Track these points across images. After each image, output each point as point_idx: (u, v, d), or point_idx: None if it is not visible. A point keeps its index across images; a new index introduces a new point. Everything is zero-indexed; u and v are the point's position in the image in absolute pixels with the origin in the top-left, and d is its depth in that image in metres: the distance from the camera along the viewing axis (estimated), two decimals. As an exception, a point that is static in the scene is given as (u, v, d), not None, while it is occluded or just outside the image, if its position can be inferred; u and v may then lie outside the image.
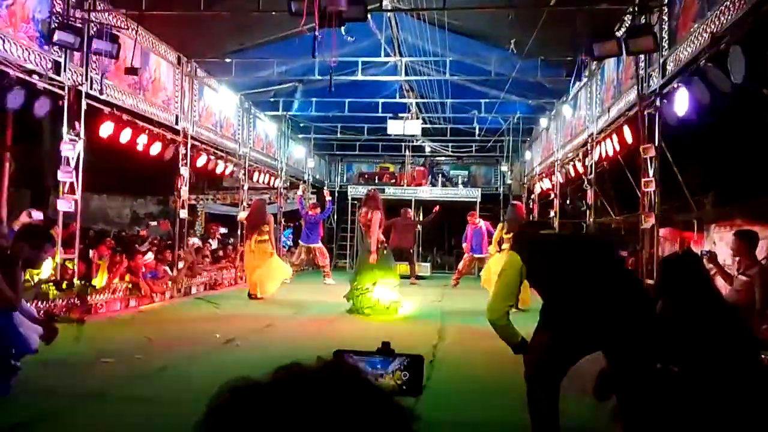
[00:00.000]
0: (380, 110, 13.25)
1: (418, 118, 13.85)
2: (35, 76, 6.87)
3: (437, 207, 13.26)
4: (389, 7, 8.84)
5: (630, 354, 2.97)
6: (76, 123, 7.48)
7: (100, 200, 16.57)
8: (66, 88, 7.29)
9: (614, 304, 3.00)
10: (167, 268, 9.82)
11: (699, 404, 2.95)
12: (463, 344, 6.44)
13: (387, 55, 10.49)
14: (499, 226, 9.56)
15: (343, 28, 7.63)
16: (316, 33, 6.40)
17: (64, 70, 7.24)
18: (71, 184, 7.47)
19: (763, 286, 5.57)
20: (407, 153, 17.87)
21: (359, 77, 10.61)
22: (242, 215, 10.92)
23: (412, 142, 16.94)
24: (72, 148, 7.42)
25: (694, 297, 3.23)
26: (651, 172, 7.21)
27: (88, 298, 7.51)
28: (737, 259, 5.91)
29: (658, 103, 6.93)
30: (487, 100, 12.61)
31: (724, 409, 2.96)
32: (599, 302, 3.01)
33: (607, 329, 2.97)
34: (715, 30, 5.59)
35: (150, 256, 9.64)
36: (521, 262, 3.22)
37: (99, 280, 8.07)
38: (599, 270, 3.16)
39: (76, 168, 7.51)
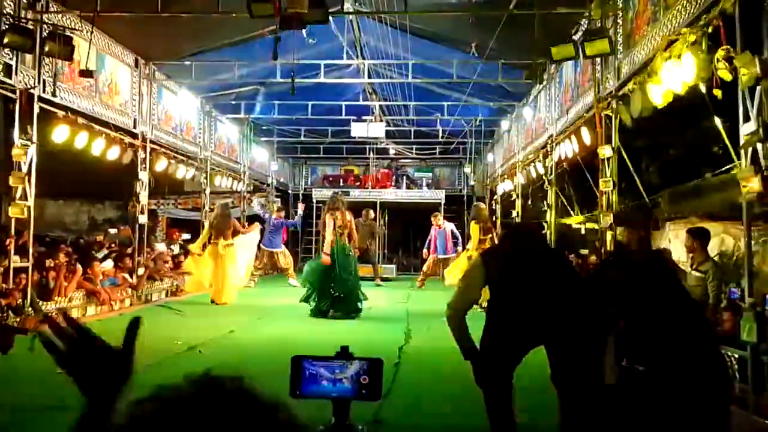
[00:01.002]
0: (344, 113, 13.23)
1: (381, 121, 13.88)
2: (-16, 79, 6.64)
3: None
4: (351, 10, 8.83)
5: (567, 349, 3.07)
6: (29, 127, 7.24)
7: (56, 206, 16.07)
8: (17, 91, 7.05)
9: (550, 301, 3.18)
10: (126, 275, 9.59)
11: (664, 402, 3.00)
12: (429, 346, 6.45)
13: (350, 57, 10.48)
14: (473, 226, 9.66)
15: (304, 30, 7.61)
16: (277, 36, 6.36)
17: (16, 73, 7.00)
18: (23, 189, 7.22)
19: (715, 280, 5.76)
20: (371, 155, 17.90)
21: (322, 80, 10.57)
22: (193, 248, 10.55)
23: (376, 144, 16.98)
24: (24, 153, 7.17)
25: (660, 293, 3.29)
26: (608, 172, 7.37)
27: (43, 306, 7.27)
28: (691, 255, 6.10)
29: (614, 104, 7.10)
30: (449, 103, 12.72)
31: (688, 406, 3.02)
32: (536, 300, 3.19)
33: (544, 324, 3.16)
34: (667, 33, 5.75)
35: (109, 263, 9.41)
36: (485, 266, 3.33)
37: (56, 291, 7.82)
38: (542, 274, 3.31)
39: (29, 173, 7.26)
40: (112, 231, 14.15)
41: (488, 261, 3.45)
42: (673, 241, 8.67)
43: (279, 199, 17.89)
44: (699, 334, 3.27)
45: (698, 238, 5.93)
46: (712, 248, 6.82)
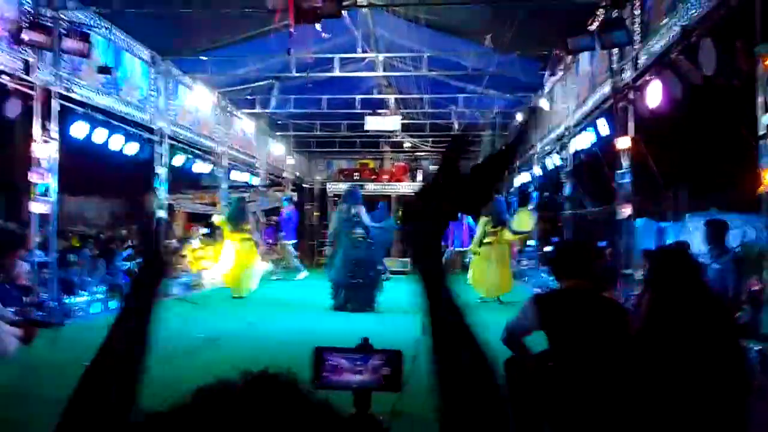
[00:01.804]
0: (359, 106, 13.22)
1: (396, 114, 13.86)
2: (5, 77, 6.74)
3: None
4: (364, 3, 8.81)
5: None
6: (48, 123, 7.35)
7: (77, 202, 16.28)
8: (37, 88, 7.15)
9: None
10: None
11: (682, 398, 2.98)
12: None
13: (364, 51, 10.46)
14: (482, 220, 9.56)
15: (318, 24, 7.61)
16: (292, 29, 6.38)
17: (35, 70, 7.11)
18: (45, 185, 7.33)
19: (736, 273, 5.70)
20: (387, 149, 17.87)
21: (337, 74, 10.57)
22: (217, 218, 10.90)
23: (392, 137, 16.94)
24: (44, 149, 7.29)
25: (682, 290, 3.27)
26: (625, 164, 7.31)
27: (66, 300, 7.41)
28: (710, 247, 6.03)
29: (631, 95, 7.03)
30: (465, 95, 12.65)
31: (708, 400, 3.00)
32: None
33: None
34: (686, 23, 5.68)
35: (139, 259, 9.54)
36: (539, 315, 3.02)
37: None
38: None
39: (51, 170, 7.38)
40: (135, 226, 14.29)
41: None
42: (693, 233, 8.57)
43: (294, 193, 17.99)
44: (719, 328, 3.24)
45: (717, 230, 5.86)
46: (734, 240, 6.74)
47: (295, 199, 14.34)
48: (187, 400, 0.71)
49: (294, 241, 13.31)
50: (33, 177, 7.25)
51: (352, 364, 1.48)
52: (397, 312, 8.31)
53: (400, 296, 9.91)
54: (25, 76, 7.00)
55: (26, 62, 7.00)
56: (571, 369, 2.86)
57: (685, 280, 3.29)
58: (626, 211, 7.34)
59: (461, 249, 12.45)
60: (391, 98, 13.64)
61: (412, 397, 3.97)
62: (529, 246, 13.01)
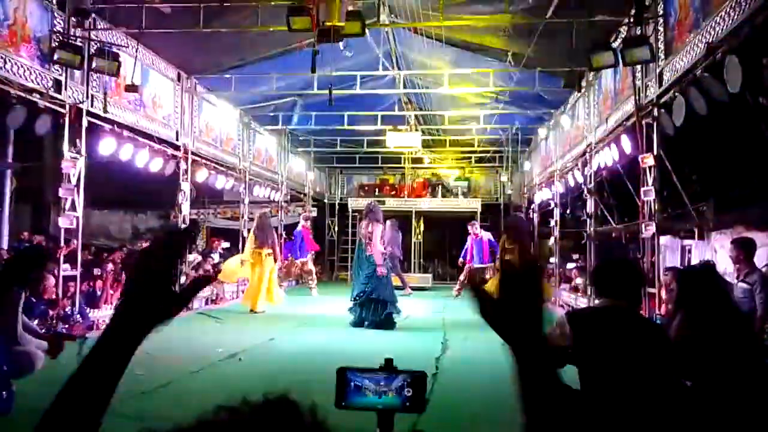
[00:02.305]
0: (379, 123, 13.31)
1: (417, 130, 13.92)
2: (36, 95, 6.92)
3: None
4: (386, 22, 8.91)
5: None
6: (77, 140, 7.52)
7: (101, 216, 16.59)
8: (67, 106, 7.34)
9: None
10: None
11: (711, 418, 2.92)
12: (466, 356, 6.43)
13: (385, 68, 10.56)
14: (503, 237, 9.55)
15: (341, 43, 7.71)
16: (315, 49, 6.47)
17: (65, 89, 7.30)
18: (72, 200, 7.49)
19: (764, 292, 5.58)
20: (407, 164, 17.93)
21: (358, 91, 10.67)
22: (244, 257, 10.76)
23: (412, 153, 17.00)
24: (73, 166, 7.46)
25: (711, 310, 3.22)
26: (650, 181, 7.23)
27: (90, 314, 7.52)
28: (737, 266, 5.92)
29: (655, 112, 6.97)
30: (485, 112, 12.67)
31: (735, 423, 2.94)
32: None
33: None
34: (710, 40, 5.64)
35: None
36: (570, 332, 2.82)
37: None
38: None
39: (77, 185, 7.54)
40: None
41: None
42: (719, 251, 8.43)
43: (316, 209, 18.13)
44: (746, 348, 3.19)
45: (744, 249, 5.75)
46: (760, 259, 6.61)
47: (305, 216, 14.43)
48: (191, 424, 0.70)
49: (303, 259, 13.43)
50: (63, 193, 7.41)
51: (376, 385, 1.48)
52: (416, 330, 8.29)
53: (418, 313, 9.90)
54: (55, 95, 7.19)
55: (57, 81, 7.19)
56: (603, 392, 2.69)
57: (713, 301, 3.25)
58: (650, 228, 7.25)
59: (481, 265, 12.39)
60: (412, 115, 13.72)
61: (432, 415, 3.97)
62: (550, 263, 12.90)
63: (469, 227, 12.58)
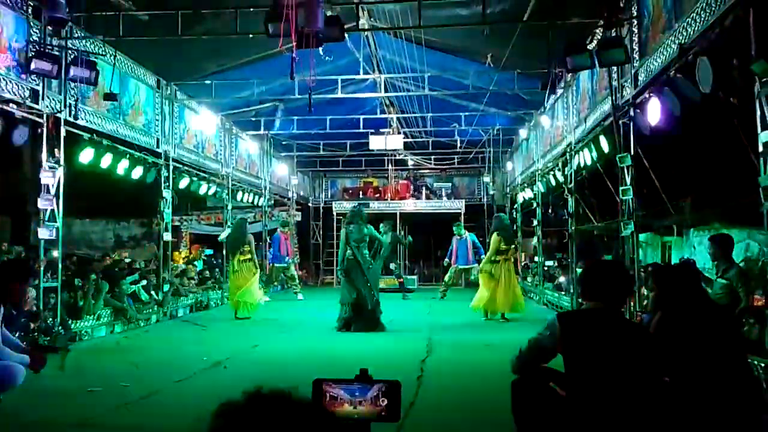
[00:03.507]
0: (362, 126, 13.34)
1: (399, 133, 13.98)
2: (13, 105, 6.85)
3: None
4: (366, 26, 8.94)
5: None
6: (56, 150, 7.45)
7: (82, 225, 16.41)
8: (45, 115, 7.26)
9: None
10: (153, 292, 9.77)
11: (691, 414, 2.97)
12: (452, 358, 6.47)
13: (366, 72, 10.60)
14: (494, 238, 9.54)
15: (320, 48, 7.71)
16: (294, 55, 6.47)
17: (43, 98, 7.23)
18: (52, 210, 7.42)
19: (745, 286, 5.70)
20: (390, 167, 17.98)
21: (339, 95, 10.69)
22: (223, 235, 11.12)
23: (395, 156, 17.06)
24: (52, 176, 7.38)
25: (691, 307, 3.28)
26: (628, 180, 7.34)
27: (72, 325, 7.45)
28: (715, 263, 6.03)
29: (631, 112, 7.08)
30: (467, 113, 12.76)
31: (715, 417, 3.00)
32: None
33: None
34: (683, 41, 5.74)
35: (143, 282, 9.64)
36: (560, 334, 2.86)
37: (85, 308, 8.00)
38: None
39: (57, 195, 7.46)
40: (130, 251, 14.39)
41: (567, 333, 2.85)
42: (698, 247, 8.58)
43: (299, 213, 18.12)
44: (726, 343, 3.25)
45: (721, 246, 5.86)
46: (737, 254, 6.74)
47: (282, 221, 14.50)
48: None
49: (283, 265, 13.45)
50: (41, 203, 7.33)
51: (351, 396, 1.51)
52: (401, 332, 8.32)
53: (403, 315, 9.93)
54: (33, 105, 7.11)
55: (34, 90, 7.12)
56: (590, 393, 2.73)
57: (691, 298, 3.31)
58: (630, 227, 7.35)
59: (465, 266, 12.46)
60: (394, 117, 13.77)
61: (417, 418, 4.00)
62: (534, 262, 13.01)
63: (454, 228, 12.64)
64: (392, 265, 13.52)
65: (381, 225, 11.67)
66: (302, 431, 0.85)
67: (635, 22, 7.01)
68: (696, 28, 5.49)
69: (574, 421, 2.74)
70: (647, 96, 6.58)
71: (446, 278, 12.67)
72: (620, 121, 7.39)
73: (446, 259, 12.76)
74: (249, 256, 10.00)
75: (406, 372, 5.27)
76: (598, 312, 2.90)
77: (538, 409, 2.89)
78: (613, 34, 6.92)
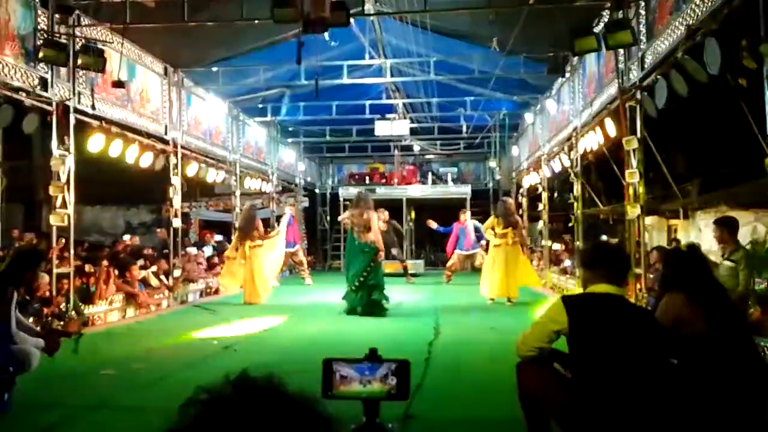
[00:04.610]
0: (368, 112, 13.35)
1: (405, 118, 13.97)
2: (22, 93, 6.91)
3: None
4: (372, 11, 8.93)
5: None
6: (66, 138, 7.52)
7: (93, 212, 16.58)
8: (54, 103, 7.33)
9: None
10: (163, 277, 9.89)
11: (699, 396, 3.01)
12: (458, 340, 6.54)
13: (372, 57, 10.59)
14: (491, 220, 9.61)
15: (326, 33, 7.73)
16: (300, 40, 6.49)
17: (51, 86, 7.28)
18: (63, 198, 7.51)
19: (746, 269, 5.72)
20: (396, 153, 17.98)
21: (345, 81, 10.69)
22: (228, 253, 10.81)
23: (401, 141, 17.06)
24: (62, 163, 7.47)
25: (699, 290, 3.31)
26: (634, 164, 7.33)
27: (85, 310, 7.57)
28: (721, 245, 6.05)
29: (638, 95, 7.06)
30: (472, 98, 12.74)
31: (722, 400, 3.04)
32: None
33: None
34: (690, 22, 5.71)
35: (153, 268, 9.76)
36: (565, 316, 2.84)
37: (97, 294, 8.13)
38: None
39: (67, 182, 7.55)
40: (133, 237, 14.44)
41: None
42: (704, 230, 8.58)
43: (306, 199, 18.19)
44: (732, 326, 3.29)
45: (727, 228, 5.87)
46: (744, 237, 6.75)
47: (290, 205, 14.44)
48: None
49: (292, 249, 13.32)
50: (52, 191, 7.42)
51: (360, 375, 1.56)
52: (408, 315, 8.40)
53: (410, 299, 10.00)
54: (42, 93, 7.17)
55: (43, 79, 7.18)
56: (596, 375, 2.76)
57: (698, 282, 3.34)
58: (636, 210, 7.36)
59: (467, 252, 12.46)
60: (400, 103, 13.75)
61: (425, 400, 4.07)
62: (539, 246, 13.03)
63: (461, 214, 12.62)
64: (394, 251, 13.52)
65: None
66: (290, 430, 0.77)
67: (642, 3, 6.97)
68: (704, 9, 5.46)
69: (579, 402, 2.77)
70: (654, 78, 6.56)
71: (449, 263, 12.70)
72: (627, 104, 7.36)
73: (448, 247, 12.70)
74: (259, 242, 10.07)
75: (414, 353, 5.33)
76: (602, 294, 2.92)
77: (544, 390, 2.93)
78: (620, 16, 6.87)
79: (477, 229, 12.21)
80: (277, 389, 0.80)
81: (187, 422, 0.75)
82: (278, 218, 15.04)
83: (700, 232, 8.74)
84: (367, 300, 8.28)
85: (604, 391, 2.71)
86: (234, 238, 10.67)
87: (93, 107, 7.81)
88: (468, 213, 12.58)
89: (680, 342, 3.11)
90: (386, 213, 13.69)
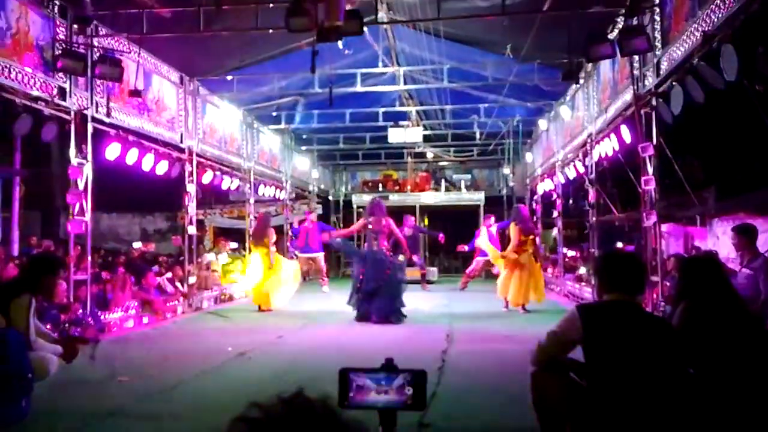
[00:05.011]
0: (381, 119, 13.38)
1: (418, 126, 13.98)
2: (41, 103, 7.02)
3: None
4: (385, 20, 8.96)
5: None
6: (83, 146, 7.63)
7: (109, 219, 16.77)
8: (72, 112, 7.43)
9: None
10: (179, 284, 9.96)
11: (715, 406, 2.97)
12: (472, 348, 6.51)
13: (385, 65, 10.62)
14: (512, 227, 9.51)
15: (340, 42, 7.76)
16: (315, 49, 6.52)
17: (70, 96, 7.39)
18: (80, 205, 7.60)
19: (765, 277, 5.63)
20: (410, 160, 17.99)
21: (359, 88, 10.73)
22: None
23: (414, 148, 17.07)
24: (80, 171, 7.56)
25: (716, 299, 3.28)
26: (650, 170, 7.28)
27: (102, 317, 7.64)
28: (740, 253, 5.97)
29: (654, 102, 7.01)
30: (486, 105, 12.72)
31: (739, 410, 3.00)
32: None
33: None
34: (706, 29, 5.67)
35: (168, 274, 9.83)
36: (580, 325, 2.83)
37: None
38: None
39: (85, 190, 7.65)
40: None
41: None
42: (721, 237, 8.48)
43: (320, 206, 18.24)
44: (750, 336, 3.25)
45: (744, 235, 5.80)
46: (763, 243, 6.66)
47: (306, 211, 14.46)
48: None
49: (313, 255, 13.30)
50: (70, 198, 7.52)
51: (377, 385, 1.56)
52: (422, 323, 8.38)
53: (424, 306, 9.98)
54: (60, 102, 7.28)
55: (61, 88, 7.29)
56: (612, 384, 2.73)
57: (715, 290, 3.30)
58: (652, 217, 7.30)
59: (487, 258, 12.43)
60: (413, 110, 13.77)
61: (439, 408, 4.06)
62: (554, 254, 12.94)
63: (484, 221, 12.56)
64: (415, 258, 13.53)
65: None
66: None
67: (657, 9, 6.93)
68: (720, 15, 5.42)
69: (595, 411, 2.75)
70: (670, 85, 6.52)
71: (468, 270, 12.65)
72: (642, 111, 7.32)
73: (465, 246, 12.72)
74: (273, 248, 10.11)
75: (428, 362, 5.32)
76: (618, 303, 2.90)
77: (559, 399, 2.91)
78: (635, 23, 6.84)
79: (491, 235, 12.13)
80: (332, 413, 0.78)
81: None
82: (291, 224, 15.11)
83: (717, 239, 8.63)
84: (385, 307, 8.28)
85: (619, 400, 2.69)
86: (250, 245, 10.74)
87: (108, 114, 7.90)
88: (492, 219, 12.42)
89: (696, 351, 3.07)
90: (412, 219, 13.72)
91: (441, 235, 13.88)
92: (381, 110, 13.22)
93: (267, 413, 0.76)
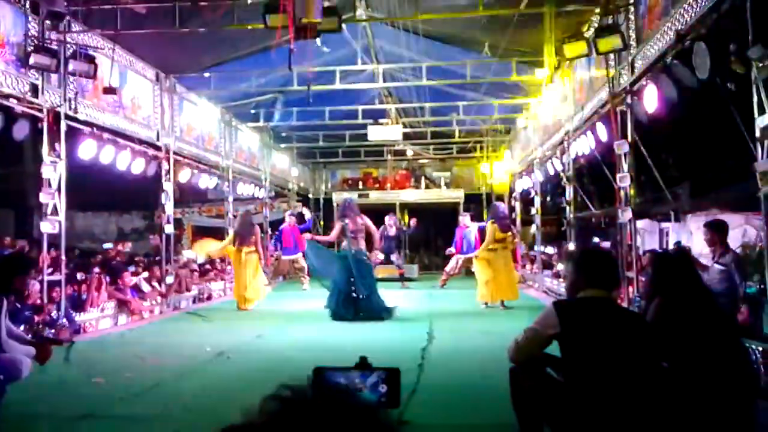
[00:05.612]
0: (360, 117, 13.35)
1: (398, 123, 13.98)
2: (13, 100, 6.88)
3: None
4: (363, 17, 8.95)
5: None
6: (57, 144, 7.49)
7: (85, 218, 16.51)
8: (45, 110, 7.29)
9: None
10: (156, 284, 9.84)
11: (688, 399, 3.03)
12: (452, 346, 6.54)
13: (364, 63, 10.60)
14: (490, 226, 9.57)
15: (318, 39, 7.73)
16: (292, 46, 6.49)
17: (42, 93, 7.25)
18: (54, 205, 7.47)
19: (738, 273, 5.75)
20: (389, 157, 18.01)
21: (338, 86, 10.70)
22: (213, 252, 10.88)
23: (394, 146, 17.09)
24: (53, 170, 7.42)
25: (687, 295, 3.33)
26: (625, 167, 7.37)
27: (76, 317, 7.52)
28: (712, 248, 6.09)
29: (629, 99, 7.10)
30: (465, 103, 12.77)
31: (711, 402, 3.05)
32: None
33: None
34: (679, 27, 5.76)
35: (145, 274, 9.71)
36: (556, 321, 2.86)
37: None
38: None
39: (59, 189, 7.51)
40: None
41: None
42: (695, 233, 8.63)
43: (300, 204, 18.16)
44: (722, 328, 3.31)
45: (717, 231, 5.91)
46: (734, 239, 6.80)
47: (292, 212, 14.40)
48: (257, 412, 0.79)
49: (293, 256, 13.30)
50: (43, 197, 7.38)
51: (351, 383, 1.56)
52: (402, 321, 8.39)
53: (404, 304, 9.99)
54: (33, 99, 7.14)
55: (33, 85, 7.14)
56: (588, 379, 2.76)
57: (685, 286, 3.37)
58: (627, 213, 7.40)
59: (469, 255, 12.47)
60: (392, 108, 13.78)
61: (419, 406, 4.06)
62: (532, 251, 13.05)
63: (460, 218, 12.62)
64: (393, 257, 13.55)
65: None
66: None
67: (632, 8, 7.02)
68: (692, 14, 5.50)
69: (572, 406, 2.78)
70: (644, 83, 6.61)
71: (447, 268, 12.70)
72: (617, 109, 7.41)
73: (450, 248, 12.78)
74: (254, 248, 10.05)
75: (408, 360, 5.34)
76: (594, 299, 2.93)
77: (537, 395, 2.93)
78: (610, 21, 6.92)
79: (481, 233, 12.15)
80: (353, 394, 0.83)
81: (266, 418, 0.79)
82: (272, 224, 15.03)
83: (691, 235, 8.79)
84: (376, 306, 8.30)
85: (596, 395, 2.72)
86: (226, 239, 10.66)
87: (75, 111, 7.74)
88: (468, 217, 12.45)
89: (670, 345, 3.13)
90: (395, 218, 13.74)
91: (414, 220, 14.06)
92: (360, 108, 13.19)
93: (297, 392, 0.80)
